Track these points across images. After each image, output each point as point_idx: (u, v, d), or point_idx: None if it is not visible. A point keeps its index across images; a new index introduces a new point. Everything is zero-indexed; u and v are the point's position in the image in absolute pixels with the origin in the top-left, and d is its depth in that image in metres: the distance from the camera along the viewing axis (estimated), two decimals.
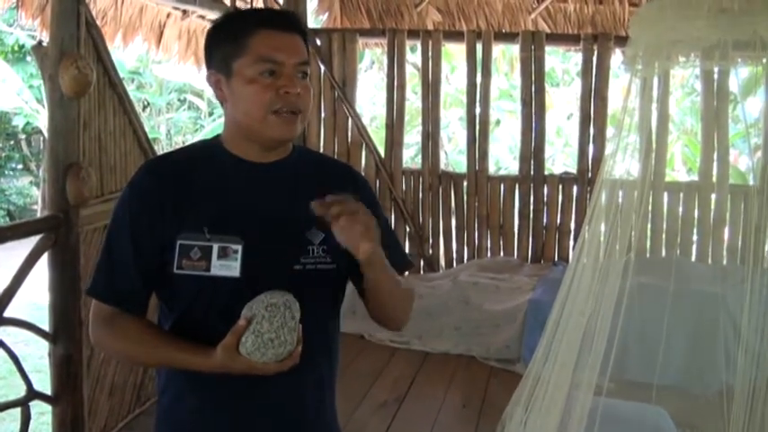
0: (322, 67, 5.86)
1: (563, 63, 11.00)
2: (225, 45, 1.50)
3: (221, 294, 1.45)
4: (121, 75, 3.69)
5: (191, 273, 1.44)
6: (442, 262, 6.01)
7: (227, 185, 1.51)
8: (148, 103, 12.50)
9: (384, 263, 1.50)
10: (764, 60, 2.71)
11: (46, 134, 3.57)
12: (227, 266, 1.44)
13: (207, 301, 1.46)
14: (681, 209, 5.20)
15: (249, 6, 5.08)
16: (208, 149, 1.57)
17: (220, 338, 1.38)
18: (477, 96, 5.81)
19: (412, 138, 8.77)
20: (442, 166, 6.48)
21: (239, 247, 1.44)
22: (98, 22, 3.78)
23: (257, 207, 1.50)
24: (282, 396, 1.51)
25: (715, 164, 5.06)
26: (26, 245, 3.01)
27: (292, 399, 1.53)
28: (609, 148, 3.26)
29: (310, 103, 1.53)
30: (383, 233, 1.65)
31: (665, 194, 5.24)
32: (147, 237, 1.47)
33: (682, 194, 5.21)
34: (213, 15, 5.05)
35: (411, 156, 9.06)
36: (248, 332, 1.35)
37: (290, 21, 1.53)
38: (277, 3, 5.44)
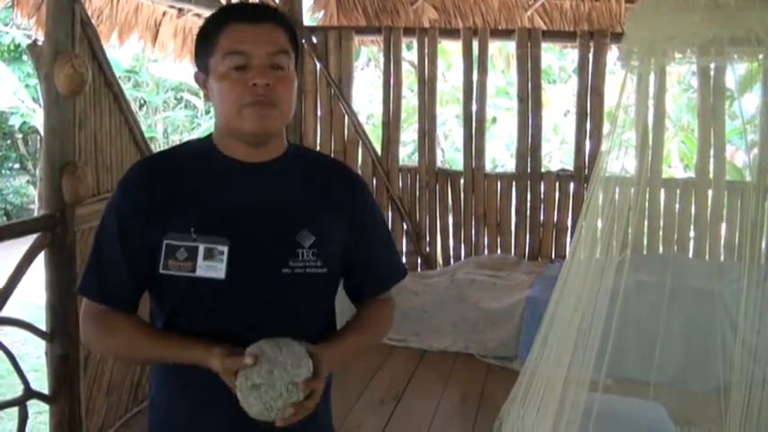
0: (318, 65, 5.86)
1: (559, 60, 10.99)
2: (202, 44, 1.50)
3: (207, 295, 1.44)
4: (117, 73, 3.68)
5: (176, 273, 1.43)
6: (440, 259, 6.01)
7: (216, 185, 1.49)
8: (145, 102, 12.47)
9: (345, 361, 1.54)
10: (761, 56, 2.71)
11: (42, 133, 3.56)
12: (213, 268, 1.42)
13: (193, 302, 1.46)
14: (677, 205, 5.20)
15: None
16: (199, 148, 1.56)
17: (206, 339, 1.40)
18: (473, 94, 5.79)
19: (408, 135, 8.76)
20: (439, 164, 6.49)
21: (225, 249, 1.42)
22: (93, 21, 3.76)
23: (246, 208, 1.48)
24: None
25: (712, 160, 5.05)
26: (23, 244, 2.99)
27: None
28: (605, 145, 3.26)
29: (289, 95, 1.47)
30: (380, 241, 1.65)
31: (662, 191, 5.23)
32: (135, 236, 1.46)
33: (678, 191, 5.21)
34: (209, 13, 5.04)
35: (408, 153, 9.04)
36: (251, 389, 1.33)
37: (260, 11, 1.50)
38: (273, 0, 5.42)
